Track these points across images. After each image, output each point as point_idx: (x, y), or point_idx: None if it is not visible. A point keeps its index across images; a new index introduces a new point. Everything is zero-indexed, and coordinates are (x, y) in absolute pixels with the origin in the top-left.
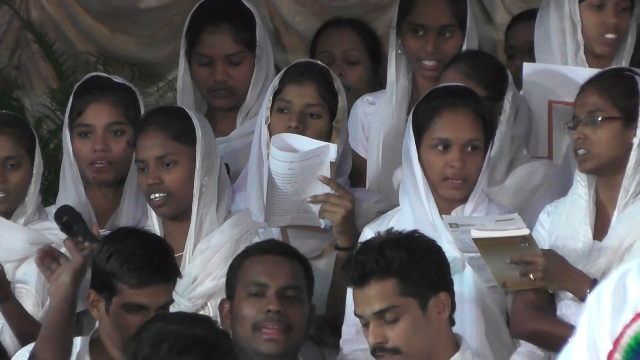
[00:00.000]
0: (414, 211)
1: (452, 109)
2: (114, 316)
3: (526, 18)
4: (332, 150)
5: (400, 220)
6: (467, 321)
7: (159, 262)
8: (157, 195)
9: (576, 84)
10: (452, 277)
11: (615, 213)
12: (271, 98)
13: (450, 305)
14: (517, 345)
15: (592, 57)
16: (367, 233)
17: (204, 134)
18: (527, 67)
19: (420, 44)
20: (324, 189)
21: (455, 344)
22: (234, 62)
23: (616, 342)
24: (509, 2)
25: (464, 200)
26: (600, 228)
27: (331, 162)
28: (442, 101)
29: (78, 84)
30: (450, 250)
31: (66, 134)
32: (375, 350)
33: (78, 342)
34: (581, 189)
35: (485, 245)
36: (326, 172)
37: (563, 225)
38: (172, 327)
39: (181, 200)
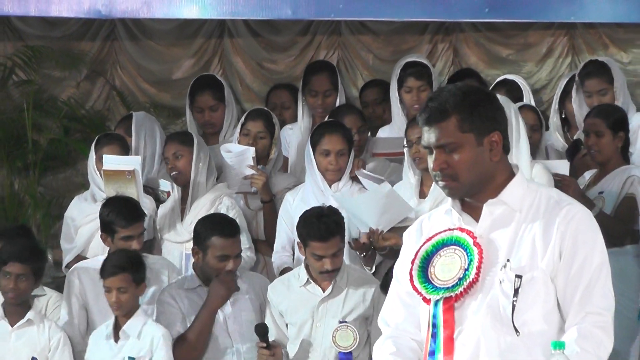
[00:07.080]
0: (313, 185)
1: (330, 134)
2: (116, 244)
3: (373, 85)
4: (252, 151)
5: (305, 189)
6: None
7: (133, 212)
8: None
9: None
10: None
11: (427, 189)
12: (240, 128)
13: None
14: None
15: (410, 115)
16: (288, 197)
17: (198, 141)
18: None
19: (314, 100)
20: (251, 172)
21: None
22: (214, 109)
23: (416, 254)
24: (365, 75)
25: (339, 179)
26: (424, 197)
27: (253, 157)
28: (326, 130)
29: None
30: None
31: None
32: None
33: (100, 258)
34: (411, 177)
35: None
36: (250, 162)
37: (402, 196)
38: None
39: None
